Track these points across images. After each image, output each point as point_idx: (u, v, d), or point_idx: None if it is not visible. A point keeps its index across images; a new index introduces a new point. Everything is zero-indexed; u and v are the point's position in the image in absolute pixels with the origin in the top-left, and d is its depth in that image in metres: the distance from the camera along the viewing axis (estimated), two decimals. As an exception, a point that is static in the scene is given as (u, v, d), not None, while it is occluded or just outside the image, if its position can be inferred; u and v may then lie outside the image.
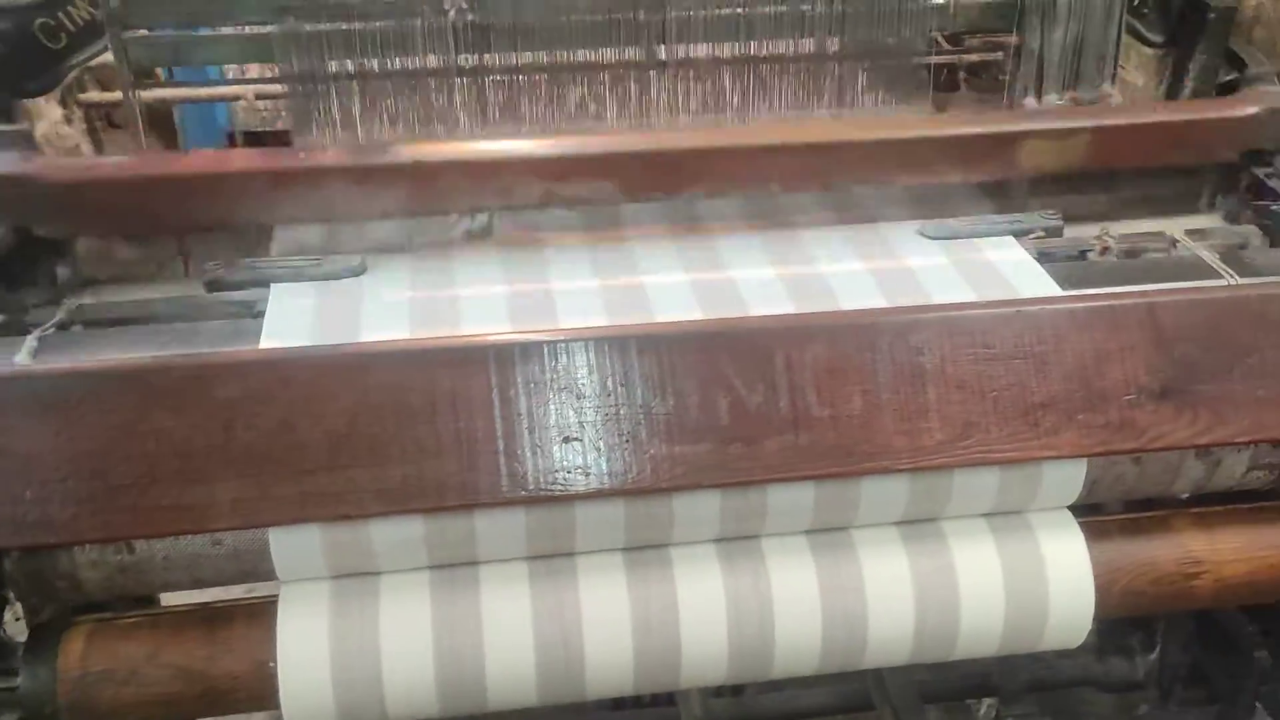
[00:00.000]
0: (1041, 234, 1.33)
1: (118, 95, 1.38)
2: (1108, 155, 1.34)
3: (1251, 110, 1.36)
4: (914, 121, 1.41)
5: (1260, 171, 1.39)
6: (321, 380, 0.99)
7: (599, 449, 1.01)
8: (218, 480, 0.97)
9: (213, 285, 1.20)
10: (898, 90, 1.50)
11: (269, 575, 1.06)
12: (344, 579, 1.06)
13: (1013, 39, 1.50)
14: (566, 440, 1.01)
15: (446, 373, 1.00)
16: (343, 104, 1.38)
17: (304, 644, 1.02)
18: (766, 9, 1.39)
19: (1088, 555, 1.14)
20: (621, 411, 1.01)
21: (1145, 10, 1.65)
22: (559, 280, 1.22)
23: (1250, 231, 1.38)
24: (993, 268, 1.25)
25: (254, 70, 1.59)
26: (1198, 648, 1.55)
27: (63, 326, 1.16)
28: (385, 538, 1.03)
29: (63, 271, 1.25)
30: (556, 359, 1.01)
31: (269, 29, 1.33)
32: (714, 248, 1.29)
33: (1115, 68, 1.55)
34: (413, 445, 0.99)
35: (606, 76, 1.40)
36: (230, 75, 1.77)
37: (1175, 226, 1.37)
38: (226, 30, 1.38)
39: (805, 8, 1.40)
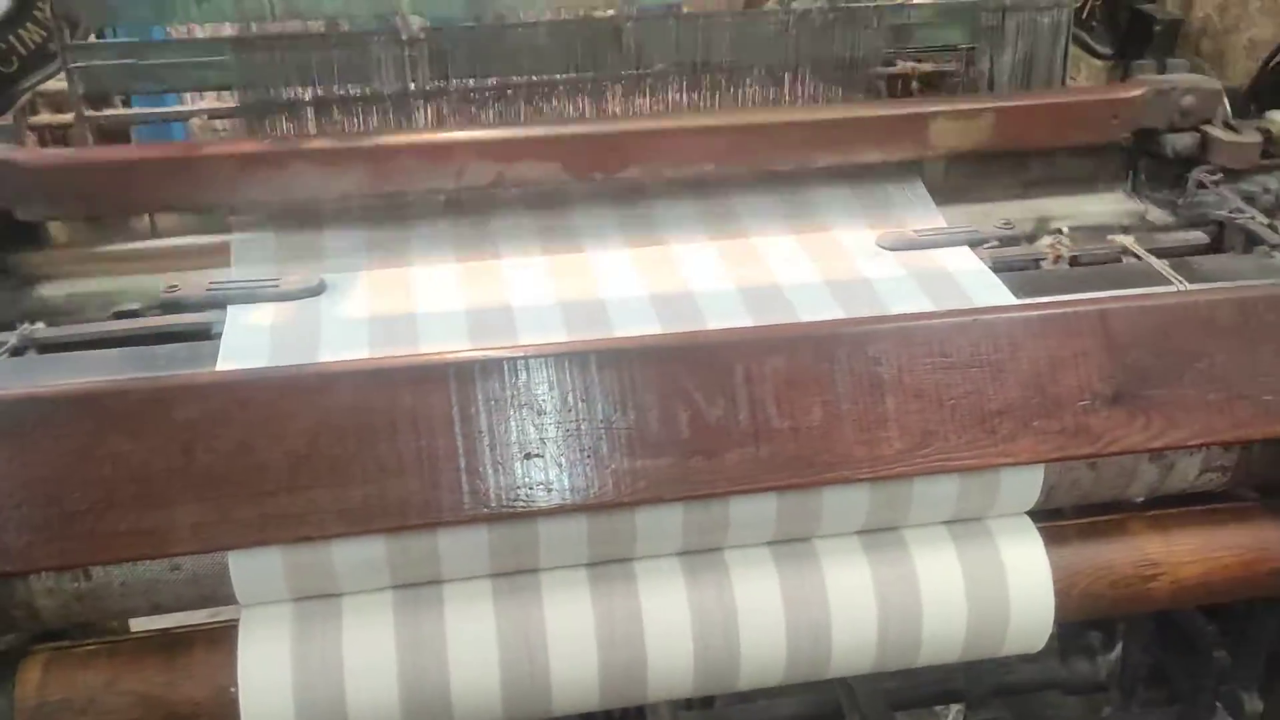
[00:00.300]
0: (996, 243, 1.35)
1: (69, 117, 1.38)
2: (1012, 135, 1.44)
3: (1138, 92, 1.47)
4: (836, 106, 1.50)
5: (1203, 175, 1.43)
6: (281, 401, 0.99)
7: (561, 465, 1.01)
8: (177, 504, 0.96)
9: (169, 307, 1.19)
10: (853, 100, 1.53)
11: (229, 599, 1.05)
12: (306, 601, 1.05)
13: (964, 51, 1.54)
14: (528, 457, 1.01)
15: (407, 391, 1.00)
16: (299, 125, 1.39)
17: (266, 668, 1.02)
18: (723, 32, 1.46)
19: (1047, 560, 1.15)
20: (582, 427, 1.01)
21: (1094, 24, 1.69)
22: (518, 296, 1.22)
23: (1159, 214, 1.49)
24: (948, 277, 1.26)
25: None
26: (1158, 649, 1.57)
27: (16, 352, 1.15)
28: (347, 558, 1.03)
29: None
30: (517, 375, 1.01)
31: (224, 57, 1.34)
32: (671, 260, 1.30)
33: (1065, 79, 1.59)
34: (374, 465, 0.98)
35: (562, 90, 1.43)
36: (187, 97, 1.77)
37: (1081, 204, 1.50)
38: (179, 59, 1.38)
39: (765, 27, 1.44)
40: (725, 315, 1.18)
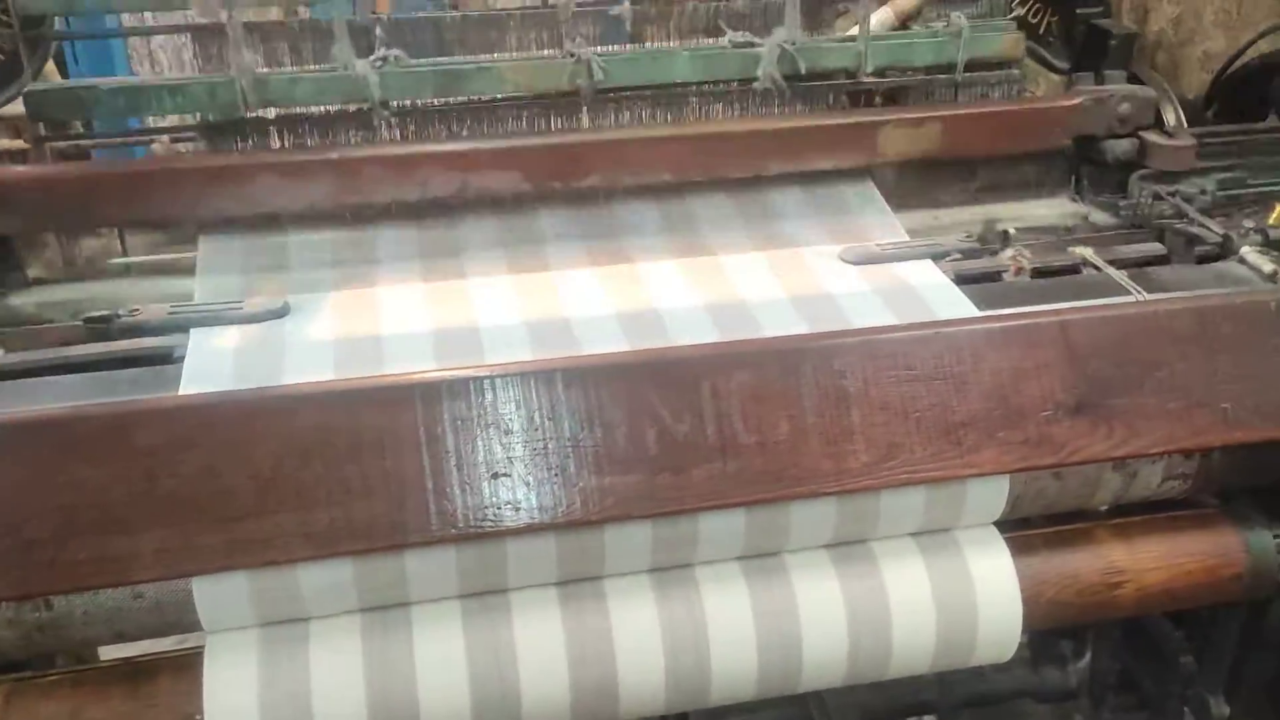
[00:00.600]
0: (958, 256, 1.36)
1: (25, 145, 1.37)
2: (959, 142, 1.49)
3: (1077, 101, 1.53)
4: (789, 116, 1.53)
5: (1161, 189, 1.46)
6: (245, 424, 0.98)
7: (528, 484, 1.01)
8: (139, 530, 0.95)
9: (131, 331, 1.18)
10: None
11: (193, 626, 1.04)
12: (272, 626, 1.04)
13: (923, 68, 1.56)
14: (495, 476, 1.00)
15: (372, 413, 0.99)
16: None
17: (232, 695, 1.00)
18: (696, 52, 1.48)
19: (1014, 569, 1.16)
20: (549, 445, 1.01)
21: (1050, 39, 1.71)
22: (483, 315, 1.22)
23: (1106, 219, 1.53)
24: (912, 291, 1.28)
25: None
26: (1127, 656, 1.59)
27: (-26, 379, 1.13)
28: (314, 582, 1.02)
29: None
30: (483, 395, 1.01)
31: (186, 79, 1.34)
32: (637, 277, 1.31)
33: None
34: (340, 487, 0.98)
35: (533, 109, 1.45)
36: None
37: (1027, 208, 1.56)
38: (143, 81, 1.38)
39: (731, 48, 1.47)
40: (691, 331, 1.18)
